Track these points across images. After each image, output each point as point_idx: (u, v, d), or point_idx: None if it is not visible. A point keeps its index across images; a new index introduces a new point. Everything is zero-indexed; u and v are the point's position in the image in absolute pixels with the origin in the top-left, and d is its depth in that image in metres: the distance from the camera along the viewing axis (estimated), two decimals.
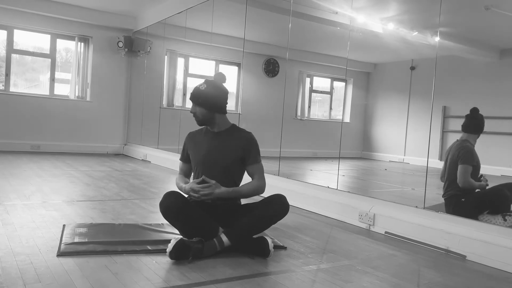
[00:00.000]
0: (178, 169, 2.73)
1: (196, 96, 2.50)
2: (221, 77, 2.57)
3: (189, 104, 2.58)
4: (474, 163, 3.33)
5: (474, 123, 3.42)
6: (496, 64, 7.24)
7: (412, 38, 6.94)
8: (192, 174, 2.63)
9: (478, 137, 3.43)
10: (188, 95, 9.43)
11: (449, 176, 3.41)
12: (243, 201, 2.60)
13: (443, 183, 3.52)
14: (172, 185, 4.94)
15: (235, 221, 2.36)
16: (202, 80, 2.57)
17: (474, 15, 6.10)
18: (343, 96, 10.25)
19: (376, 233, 3.11)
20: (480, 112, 3.45)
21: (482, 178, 3.39)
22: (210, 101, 2.49)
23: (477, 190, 3.38)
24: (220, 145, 2.52)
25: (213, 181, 2.38)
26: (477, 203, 3.28)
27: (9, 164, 5.47)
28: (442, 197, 3.46)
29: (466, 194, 3.33)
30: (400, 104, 9.16)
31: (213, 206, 2.43)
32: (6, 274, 1.87)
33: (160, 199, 2.33)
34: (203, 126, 2.62)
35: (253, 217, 2.35)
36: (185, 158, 2.65)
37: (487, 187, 3.38)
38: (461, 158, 3.32)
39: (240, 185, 2.54)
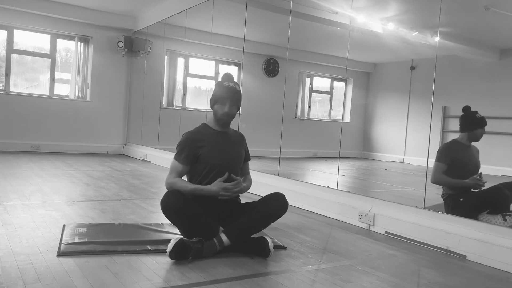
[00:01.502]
0: None
1: (237, 95, 2.50)
2: (231, 77, 2.56)
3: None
4: (448, 161, 3.29)
5: (460, 121, 3.44)
6: (496, 64, 7.24)
7: (412, 38, 6.94)
8: (199, 176, 2.45)
9: (469, 135, 3.38)
10: (189, 95, 9.30)
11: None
12: (242, 200, 2.60)
13: None
14: None
15: (234, 220, 2.36)
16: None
17: (474, 15, 6.10)
18: (343, 96, 10.25)
19: (376, 233, 3.11)
20: (472, 110, 3.43)
21: (471, 178, 3.29)
22: (241, 99, 2.55)
23: (473, 190, 3.36)
24: (231, 144, 2.55)
25: (238, 178, 2.42)
26: (476, 202, 3.26)
27: (9, 164, 5.47)
28: (441, 197, 3.47)
29: (464, 193, 3.32)
30: (400, 104, 9.16)
31: (213, 205, 2.42)
32: (6, 274, 1.87)
33: (161, 198, 2.33)
34: (199, 126, 2.57)
35: (253, 216, 2.35)
36: (188, 161, 2.43)
37: (484, 187, 3.35)
38: (436, 155, 3.35)
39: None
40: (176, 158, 2.48)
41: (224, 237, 2.28)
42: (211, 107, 2.53)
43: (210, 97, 2.56)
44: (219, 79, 2.61)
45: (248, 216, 2.35)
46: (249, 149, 2.71)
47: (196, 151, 2.44)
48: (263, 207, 2.40)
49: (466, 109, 3.45)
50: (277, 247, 2.51)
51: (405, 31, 6.86)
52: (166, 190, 2.39)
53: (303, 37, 7.48)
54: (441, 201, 3.53)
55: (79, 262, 2.07)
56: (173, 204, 2.28)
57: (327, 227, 3.22)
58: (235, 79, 2.62)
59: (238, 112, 2.63)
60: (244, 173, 2.65)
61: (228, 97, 2.44)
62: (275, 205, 2.42)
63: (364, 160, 9.59)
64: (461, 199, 3.30)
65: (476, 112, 3.42)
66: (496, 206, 3.20)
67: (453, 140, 3.46)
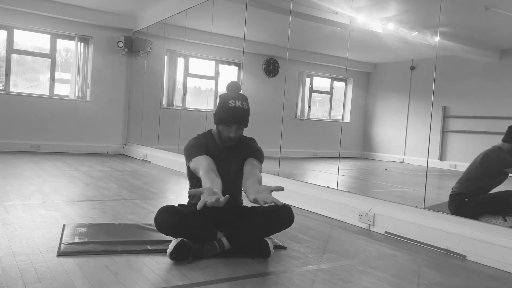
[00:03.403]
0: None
1: (244, 116, 2.29)
2: (237, 86, 2.40)
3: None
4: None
5: (508, 132, 3.34)
6: (496, 64, 7.24)
7: (412, 38, 6.94)
8: (196, 181, 2.42)
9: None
10: (189, 95, 9.26)
11: (466, 173, 3.43)
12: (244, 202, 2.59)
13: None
14: (172, 186, 4.94)
15: (237, 223, 2.32)
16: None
17: (474, 15, 6.10)
18: (343, 96, 10.25)
19: (376, 233, 3.11)
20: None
21: None
22: (249, 117, 2.34)
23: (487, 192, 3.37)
24: (233, 158, 2.40)
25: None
26: (480, 205, 3.29)
27: (9, 164, 5.47)
28: (450, 193, 3.49)
29: (471, 195, 3.34)
30: (400, 104, 9.16)
31: (214, 211, 2.31)
32: (6, 274, 1.87)
33: (160, 198, 2.32)
34: (204, 133, 2.48)
35: (257, 226, 2.29)
36: (205, 152, 2.30)
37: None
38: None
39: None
40: (192, 157, 2.28)
41: (225, 242, 2.27)
42: (215, 123, 2.36)
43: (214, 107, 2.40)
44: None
45: (252, 225, 2.29)
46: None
47: (205, 149, 2.34)
48: (270, 221, 2.30)
49: None
50: (277, 247, 2.51)
51: (405, 31, 6.86)
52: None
53: (303, 37, 7.47)
54: (441, 201, 3.55)
55: (79, 262, 2.07)
56: (168, 222, 2.21)
57: (327, 227, 3.22)
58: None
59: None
60: (249, 176, 2.26)
61: (234, 120, 2.26)
62: (283, 219, 2.33)
63: (364, 160, 9.59)
64: (466, 199, 3.32)
65: None
66: (500, 211, 3.22)
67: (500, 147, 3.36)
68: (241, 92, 2.42)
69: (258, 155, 2.44)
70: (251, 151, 2.45)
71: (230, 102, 2.28)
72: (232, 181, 2.37)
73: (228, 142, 2.35)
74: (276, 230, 2.39)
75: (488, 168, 3.31)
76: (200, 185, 2.21)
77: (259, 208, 2.29)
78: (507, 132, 3.34)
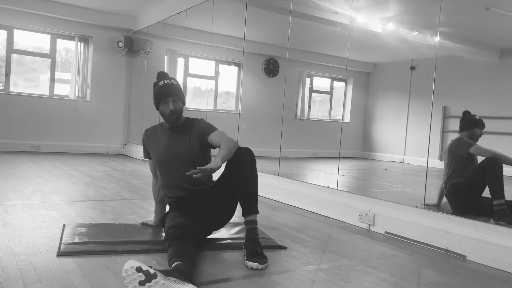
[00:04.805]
0: None
1: (176, 89, 2.45)
2: (165, 74, 2.54)
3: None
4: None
5: (460, 123, 3.78)
6: (496, 64, 7.24)
7: (412, 38, 6.94)
8: (156, 170, 2.64)
9: (468, 135, 3.69)
10: (189, 95, 9.25)
11: (450, 167, 3.62)
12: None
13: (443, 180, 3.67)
14: None
15: (215, 198, 2.43)
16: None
17: (474, 15, 6.10)
18: (343, 96, 10.26)
19: (376, 233, 3.11)
20: (472, 114, 3.79)
21: None
22: (182, 92, 2.53)
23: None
24: (180, 140, 2.50)
25: (196, 170, 2.13)
26: (478, 174, 3.40)
27: (9, 164, 5.47)
28: (444, 189, 3.60)
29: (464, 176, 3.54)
30: (400, 104, 9.16)
31: (189, 202, 2.46)
32: (6, 274, 1.87)
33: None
34: (157, 124, 2.66)
35: (241, 185, 2.33)
36: (149, 156, 2.68)
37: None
38: (467, 144, 3.59)
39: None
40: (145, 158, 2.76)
41: (249, 218, 2.28)
42: (157, 109, 2.54)
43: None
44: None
45: (239, 189, 2.34)
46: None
47: (147, 149, 2.67)
48: (238, 173, 2.32)
49: (466, 112, 3.77)
50: (277, 247, 2.51)
51: (405, 31, 6.86)
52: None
53: (303, 37, 7.48)
54: (442, 200, 3.58)
55: (79, 262, 2.07)
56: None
57: (327, 227, 3.22)
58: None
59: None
60: (217, 144, 2.40)
61: (168, 94, 2.42)
62: (245, 161, 2.34)
63: (364, 160, 9.59)
64: (461, 181, 3.51)
65: (475, 115, 3.74)
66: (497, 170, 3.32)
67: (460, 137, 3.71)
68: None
69: (211, 128, 2.51)
70: (201, 128, 2.51)
71: (159, 82, 2.47)
72: (189, 164, 2.38)
73: (172, 117, 2.45)
74: (250, 171, 2.33)
75: (459, 153, 3.61)
76: (158, 172, 2.60)
77: (222, 173, 2.45)
78: (459, 123, 3.76)
